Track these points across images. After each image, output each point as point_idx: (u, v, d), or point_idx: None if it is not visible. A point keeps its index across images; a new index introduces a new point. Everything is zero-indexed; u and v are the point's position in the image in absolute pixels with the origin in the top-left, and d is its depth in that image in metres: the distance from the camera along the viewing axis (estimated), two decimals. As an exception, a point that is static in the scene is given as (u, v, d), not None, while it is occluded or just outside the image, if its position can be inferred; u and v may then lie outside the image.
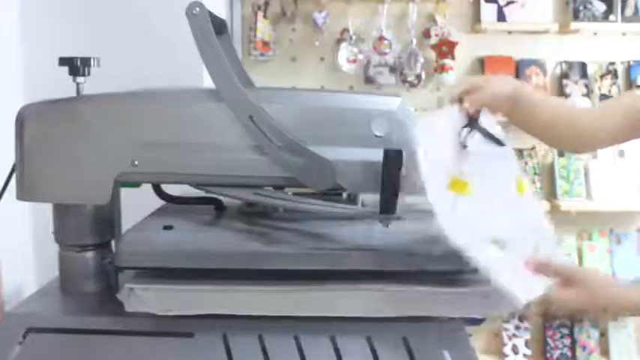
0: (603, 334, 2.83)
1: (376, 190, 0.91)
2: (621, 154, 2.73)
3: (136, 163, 0.95)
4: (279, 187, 1.02)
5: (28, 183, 0.97)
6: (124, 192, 1.03)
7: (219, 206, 1.12)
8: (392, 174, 0.90)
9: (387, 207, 0.91)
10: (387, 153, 0.90)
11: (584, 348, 2.80)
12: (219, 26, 1.10)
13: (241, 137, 0.94)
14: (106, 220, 1.04)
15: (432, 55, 2.68)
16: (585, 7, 2.70)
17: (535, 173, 2.77)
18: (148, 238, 0.95)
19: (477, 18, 2.72)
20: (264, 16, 2.62)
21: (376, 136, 0.94)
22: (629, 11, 2.71)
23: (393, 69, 2.69)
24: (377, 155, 0.91)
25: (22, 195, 0.98)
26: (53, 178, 0.97)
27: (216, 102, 0.95)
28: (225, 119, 0.94)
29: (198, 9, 0.93)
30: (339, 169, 0.93)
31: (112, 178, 0.96)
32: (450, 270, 0.91)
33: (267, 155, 0.94)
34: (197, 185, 1.00)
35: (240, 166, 0.95)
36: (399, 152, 0.89)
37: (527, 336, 2.82)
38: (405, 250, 0.92)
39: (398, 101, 0.98)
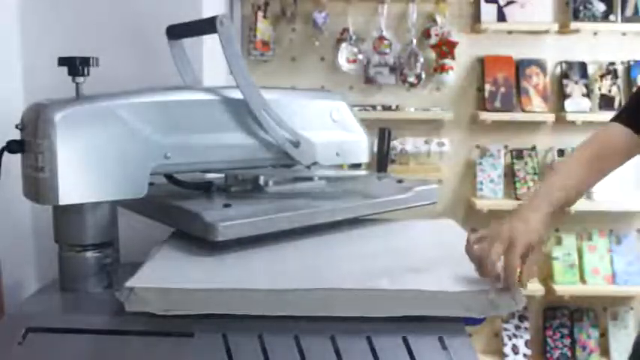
0: (603, 334, 2.84)
1: (336, 161, 1.24)
2: (621, 154, 2.73)
3: (169, 155, 1.03)
4: (265, 166, 1.20)
5: (68, 185, 0.95)
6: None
7: (207, 188, 1.20)
8: (384, 144, 1.28)
9: (382, 167, 1.30)
10: (381, 130, 1.29)
11: (584, 348, 2.81)
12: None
13: (254, 127, 1.13)
14: (106, 220, 1.04)
15: (432, 55, 2.68)
16: (585, 7, 2.71)
17: (535, 173, 2.77)
18: (231, 213, 1.03)
19: (477, 18, 2.73)
20: (264, 16, 2.62)
21: (334, 121, 1.24)
22: (629, 11, 2.72)
23: (393, 69, 2.69)
24: (335, 135, 1.24)
25: (57, 198, 0.95)
26: (91, 178, 0.97)
27: (234, 98, 1.10)
28: (241, 113, 1.11)
29: (225, 21, 1.07)
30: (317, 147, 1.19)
31: (149, 171, 1.01)
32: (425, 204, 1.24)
33: (273, 138, 1.13)
34: (207, 171, 1.17)
35: (254, 151, 1.13)
36: (389, 129, 1.30)
37: (527, 336, 2.83)
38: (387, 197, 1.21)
39: (339, 96, 1.30)
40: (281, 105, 1.15)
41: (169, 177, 1.15)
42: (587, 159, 1.18)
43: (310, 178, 1.22)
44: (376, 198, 1.20)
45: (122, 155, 0.98)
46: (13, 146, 0.97)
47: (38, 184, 0.96)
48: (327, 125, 1.23)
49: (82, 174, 0.96)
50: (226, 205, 1.06)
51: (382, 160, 1.30)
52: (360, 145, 1.29)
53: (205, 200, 1.13)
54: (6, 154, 0.98)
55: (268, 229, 1.04)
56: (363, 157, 1.29)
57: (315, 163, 1.19)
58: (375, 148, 1.31)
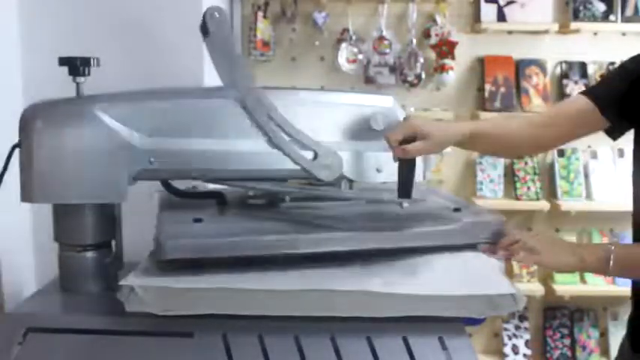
0: (603, 334, 2.83)
1: (375, 178, 1.02)
2: (621, 153, 2.73)
3: (152, 160, 0.98)
4: (279, 180, 1.06)
5: (42, 185, 0.96)
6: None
7: (221, 199, 1.13)
8: (408, 163, 1.00)
9: (404, 192, 1.01)
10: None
11: (584, 348, 2.80)
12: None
13: (255, 134, 1.00)
14: (106, 220, 1.04)
15: (432, 55, 2.68)
16: (585, 7, 2.70)
17: (535, 173, 2.77)
18: (189, 230, 0.95)
19: (477, 18, 2.72)
20: (264, 16, 2.62)
21: (374, 130, 1.02)
22: (629, 11, 2.71)
23: (393, 69, 2.69)
24: (375, 147, 1.02)
25: (35, 197, 0.97)
26: (70, 179, 0.96)
27: (229, 101, 1.00)
28: (238, 117, 1.00)
29: (217, 14, 0.97)
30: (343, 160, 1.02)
31: (130, 176, 0.98)
32: (458, 245, 0.99)
33: (281, 149, 1.00)
34: (210, 180, 1.06)
35: (253, 161, 1.01)
36: None
37: (527, 336, 2.83)
38: (418, 228, 0.99)
39: (391, 100, 1.07)
40: (306, 108, 1.02)
41: (166, 185, 1.11)
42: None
43: (331, 198, 1.06)
44: (392, 230, 0.99)
45: (100, 158, 0.96)
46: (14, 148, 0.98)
47: (23, 183, 0.97)
48: (363, 134, 1.04)
49: (57, 175, 0.96)
50: (197, 220, 0.98)
51: (406, 181, 1.02)
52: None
53: (194, 211, 1.05)
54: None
55: (221, 253, 0.93)
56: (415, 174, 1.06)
57: (343, 179, 1.03)
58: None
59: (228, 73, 0.99)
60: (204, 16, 0.98)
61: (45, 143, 0.95)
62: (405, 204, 1.00)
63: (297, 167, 1.01)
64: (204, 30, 1.03)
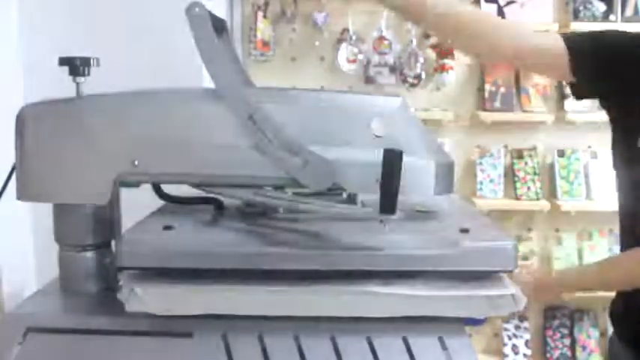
0: (603, 334, 2.83)
1: (376, 190, 0.90)
2: (621, 154, 2.73)
3: (136, 163, 0.95)
4: (278, 187, 1.02)
5: (27, 183, 0.97)
6: (124, 192, 1.03)
7: (218, 206, 1.11)
8: (391, 174, 0.88)
9: (387, 207, 0.89)
10: (386, 153, 0.88)
11: (584, 348, 2.81)
12: (219, 26, 1.10)
13: (241, 137, 0.94)
14: (106, 220, 1.04)
15: (432, 55, 2.68)
16: (585, 7, 2.70)
17: (535, 173, 2.77)
18: (149, 238, 0.93)
19: (477, 18, 2.73)
20: (264, 16, 2.62)
21: (376, 136, 0.93)
22: (629, 11, 2.72)
23: (393, 69, 2.69)
24: (377, 155, 0.89)
25: (22, 195, 0.98)
26: (53, 178, 0.97)
27: (216, 102, 0.96)
28: (225, 119, 0.95)
29: (197, 9, 0.94)
30: (338, 169, 0.93)
31: (112, 178, 0.97)
32: (449, 270, 0.91)
33: (266, 155, 0.94)
34: (196, 185, 1.02)
35: (240, 166, 0.95)
36: (399, 152, 0.87)
37: (527, 336, 2.83)
38: (403, 250, 0.91)
39: (399, 101, 0.98)
40: (304, 111, 0.95)
41: (157, 190, 1.10)
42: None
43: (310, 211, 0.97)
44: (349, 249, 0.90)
45: (82, 159, 0.96)
46: None
47: (16, 181, 0.98)
48: (363, 140, 0.93)
49: (42, 174, 0.96)
50: (167, 227, 0.94)
51: (388, 194, 0.89)
52: (419, 171, 0.94)
53: (182, 218, 1.03)
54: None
55: (174, 265, 0.90)
56: (424, 189, 0.95)
57: (341, 191, 0.96)
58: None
59: (211, 70, 0.95)
60: (185, 12, 0.94)
61: (29, 142, 0.96)
62: (394, 218, 0.89)
63: (275, 174, 0.94)
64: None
